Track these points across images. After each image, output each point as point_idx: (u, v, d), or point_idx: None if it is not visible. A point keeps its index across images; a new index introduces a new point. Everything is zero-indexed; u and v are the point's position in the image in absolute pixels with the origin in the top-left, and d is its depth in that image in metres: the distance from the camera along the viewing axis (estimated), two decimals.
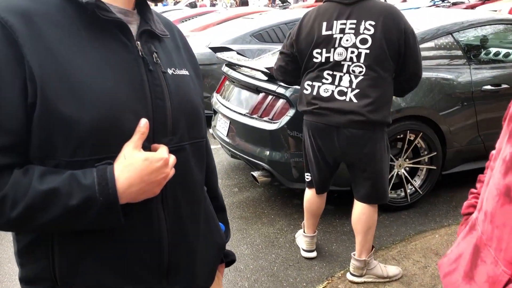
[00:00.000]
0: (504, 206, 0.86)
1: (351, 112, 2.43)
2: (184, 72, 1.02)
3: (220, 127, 3.99)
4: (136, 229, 0.90)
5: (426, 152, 3.57)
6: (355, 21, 2.42)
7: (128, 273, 0.91)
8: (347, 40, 2.44)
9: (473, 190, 1.19)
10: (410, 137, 3.46)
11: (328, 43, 2.47)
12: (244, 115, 3.59)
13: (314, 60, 2.52)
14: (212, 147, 4.74)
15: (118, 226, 0.86)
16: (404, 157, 3.51)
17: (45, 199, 0.78)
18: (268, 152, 3.41)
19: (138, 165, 0.83)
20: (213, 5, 23.82)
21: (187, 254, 0.99)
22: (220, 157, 4.88)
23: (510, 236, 0.83)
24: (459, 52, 3.68)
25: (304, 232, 3.03)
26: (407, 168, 3.56)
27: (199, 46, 6.20)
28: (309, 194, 2.89)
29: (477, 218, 1.00)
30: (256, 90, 3.58)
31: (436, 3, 12.63)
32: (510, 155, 0.87)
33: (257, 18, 6.82)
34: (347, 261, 2.96)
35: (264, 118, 3.42)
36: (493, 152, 1.10)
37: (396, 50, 2.40)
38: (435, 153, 3.54)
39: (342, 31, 2.44)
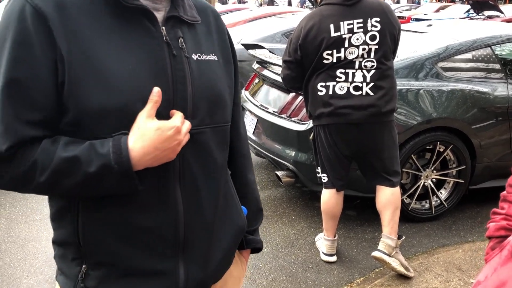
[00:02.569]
0: None
1: (370, 106, 2.59)
2: (212, 57, 1.04)
3: (247, 124, 3.99)
4: (152, 203, 0.94)
5: (454, 165, 3.50)
6: (361, 20, 2.58)
7: (145, 245, 0.96)
8: (357, 39, 2.57)
9: (497, 210, 1.12)
10: (439, 148, 3.40)
11: (339, 44, 2.58)
12: (273, 113, 3.59)
13: (325, 61, 2.62)
14: None
15: (136, 200, 0.92)
16: (432, 168, 3.45)
17: (68, 166, 0.86)
18: (294, 153, 3.40)
19: (151, 135, 0.88)
20: (243, 2, 23.84)
21: (203, 230, 1.02)
22: None
23: None
24: (497, 66, 3.60)
25: (324, 235, 3.01)
26: (434, 180, 3.50)
27: None
28: (327, 195, 2.88)
29: None
30: (286, 89, 3.56)
31: (470, 15, 12.38)
32: None
33: (290, 18, 6.80)
34: (367, 268, 2.94)
35: (293, 119, 3.41)
36: None
37: (394, 43, 2.67)
38: (464, 166, 3.47)
39: (350, 31, 2.57)
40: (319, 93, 2.66)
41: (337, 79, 2.62)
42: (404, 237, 2.82)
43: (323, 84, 2.64)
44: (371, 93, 2.60)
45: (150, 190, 0.94)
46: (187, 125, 0.94)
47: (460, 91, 3.40)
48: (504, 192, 1.11)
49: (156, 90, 0.89)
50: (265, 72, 3.89)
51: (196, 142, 0.98)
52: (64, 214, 0.97)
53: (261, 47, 4.20)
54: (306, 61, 2.68)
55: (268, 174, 4.37)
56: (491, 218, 1.12)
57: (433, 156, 3.41)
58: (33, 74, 0.84)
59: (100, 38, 0.88)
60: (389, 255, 2.68)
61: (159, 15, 0.96)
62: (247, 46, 4.36)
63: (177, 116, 0.93)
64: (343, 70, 2.61)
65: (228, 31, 1.16)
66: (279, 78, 3.65)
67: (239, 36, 6.27)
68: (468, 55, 3.56)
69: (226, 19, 8.90)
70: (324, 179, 2.87)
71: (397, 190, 2.78)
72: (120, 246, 0.95)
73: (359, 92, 2.60)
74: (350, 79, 2.60)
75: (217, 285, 1.12)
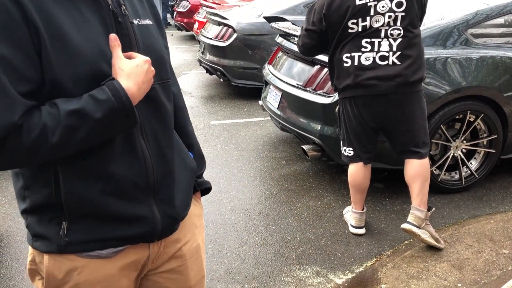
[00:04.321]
0: None
1: (397, 76, 2.55)
2: (148, 21, 1.17)
3: (271, 99, 3.96)
4: (123, 155, 1.07)
5: (485, 135, 3.42)
6: None
7: (121, 193, 1.08)
8: (383, 7, 2.51)
9: None
10: (470, 118, 3.32)
11: (364, 12, 2.53)
12: (298, 87, 3.55)
13: (350, 31, 2.57)
14: (260, 119, 4.77)
15: (108, 154, 1.05)
16: (462, 139, 3.38)
17: (76, 118, 0.95)
18: (320, 126, 3.37)
19: (135, 71, 1.01)
20: None
21: (167, 174, 1.17)
22: (268, 129, 4.88)
23: None
24: None
25: (352, 208, 3.00)
26: (464, 150, 3.43)
27: (248, 16, 6.13)
28: (353, 169, 2.87)
29: None
30: (311, 62, 3.51)
31: None
32: None
33: None
34: (396, 240, 2.93)
35: (318, 92, 3.37)
36: None
37: (421, 9, 2.60)
38: (495, 136, 3.39)
39: None
40: (345, 64, 2.61)
41: (363, 49, 2.57)
42: (434, 209, 2.79)
43: (348, 55, 2.60)
44: (398, 63, 2.55)
45: (119, 145, 1.06)
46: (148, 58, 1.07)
47: (490, 58, 3.29)
48: None
49: (113, 36, 1.02)
50: (289, 45, 3.83)
51: (149, 98, 1.09)
52: (39, 179, 1.05)
53: (284, 20, 4.13)
54: (330, 31, 2.63)
55: (294, 149, 4.36)
56: None
57: (463, 126, 3.34)
58: (17, 50, 0.93)
59: (61, 13, 0.99)
60: (419, 227, 2.66)
61: None
62: (270, 19, 4.30)
63: (137, 54, 1.07)
64: (368, 40, 2.56)
65: None
66: None
67: (259, 10, 6.19)
68: (500, 20, 3.43)
69: None
70: (350, 153, 2.84)
71: (426, 161, 2.73)
72: (100, 197, 1.06)
73: (386, 62, 2.55)
74: (376, 49, 2.56)
75: (185, 224, 1.27)
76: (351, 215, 3.03)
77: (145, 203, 1.12)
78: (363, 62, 2.58)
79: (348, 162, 2.89)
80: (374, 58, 2.57)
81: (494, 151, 3.43)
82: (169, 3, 13.96)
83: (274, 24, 4.14)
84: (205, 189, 1.40)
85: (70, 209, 1.05)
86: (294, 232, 3.03)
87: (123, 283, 1.16)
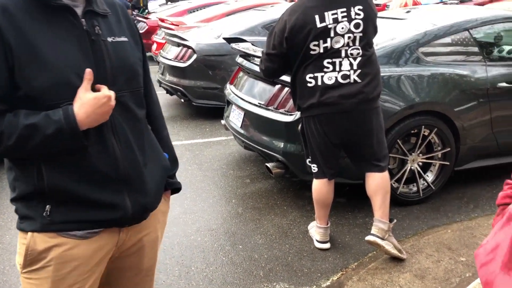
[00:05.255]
0: None
1: (359, 93, 2.66)
2: (123, 39, 1.36)
3: (234, 118, 4.01)
4: (96, 152, 1.26)
5: (439, 148, 3.58)
6: (345, 9, 2.63)
7: (96, 183, 1.27)
8: (342, 28, 2.62)
9: (508, 180, 1.20)
10: (424, 132, 3.48)
11: (325, 34, 2.62)
12: (260, 106, 3.61)
13: (312, 52, 2.65)
14: (223, 138, 4.77)
15: (84, 152, 1.24)
16: (418, 152, 3.53)
17: (30, 131, 1.16)
18: (283, 144, 3.43)
19: (90, 102, 1.20)
20: None
21: (137, 168, 1.34)
22: (231, 148, 4.91)
23: None
24: (475, 49, 3.69)
25: (317, 223, 3.06)
26: (420, 163, 3.58)
27: (207, 37, 6.19)
28: (318, 185, 2.93)
29: None
30: (272, 81, 3.59)
31: (443, 0, 12.53)
32: None
33: (269, 10, 6.80)
34: (360, 252, 3.00)
35: (280, 110, 3.44)
36: None
37: (375, 30, 2.74)
38: (449, 149, 3.56)
39: (335, 20, 2.62)
40: (309, 84, 2.69)
41: (325, 70, 2.66)
42: (395, 220, 2.89)
43: (312, 75, 2.68)
44: (359, 80, 2.66)
45: (93, 143, 1.26)
46: (113, 94, 1.25)
47: (441, 75, 3.47)
48: None
49: (88, 71, 1.21)
50: (250, 65, 3.90)
51: (119, 103, 1.29)
52: (26, 172, 1.25)
53: (244, 40, 4.21)
54: (292, 53, 2.70)
55: (258, 167, 4.40)
56: (503, 188, 1.19)
57: (418, 140, 3.49)
58: None
59: (37, 31, 1.19)
60: (383, 238, 2.75)
61: (79, 10, 1.27)
62: (229, 40, 4.37)
63: (105, 88, 1.24)
64: (330, 60, 2.65)
65: (132, 19, 1.49)
66: None
67: (218, 31, 6.26)
68: (447, 40, 3.64)
69: (203, 14, 8.85)
70: (314, 169, 2.91)
71: (386, 174, 2.84)
72: (77, 186, 1.26)
73: (347, 80, 2.65)
74: (337, 68, 2.65)
75: (151, 217, 1.43)
76: (316, 230, 3.08)
77: (117, 192, 1.31)
78: (326, 81, 2.66)
79: (315, 178, 2.95)
80: (336, 77, 2.65)
81: (448, 163, 3.60)
82: None
83: (234, 45, 4.21)
84: (175, 188, 1.58)
85: (52, 196, 1.25)
86: (261, 250, 3.05)
87: (95, 263, 1.34)
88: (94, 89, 1.23)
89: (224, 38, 4.69)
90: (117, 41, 1.33)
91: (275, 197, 3.80)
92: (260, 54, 3.78)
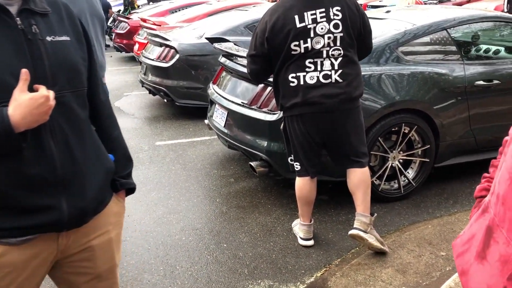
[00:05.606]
0: None
1: (340, 93, 2.70)
2: (64, 38, 1.33)
3: (217, 117, 4.02)
4: (33, 155, 1.23)
5: (419, 145, 3.65)
6: (323, 9, 2.65)
7: (32, 187, 1.24)
8: (321, 29, 2.64)
9: (485, 174, 1.24)
10: (404, 130, 3.54)
11: (305, 34, 2.64)
12: (243, 105, 3.63)
13: (293, 52, 2.68)
14: (206, 138, 4.78)
15: (21, 154, 1.21)
16: (398, 150, 3.59)
17: None
18: (266, 143, 3.46)
19: (26, 103, 1.17)
20: None
21: (76, 171, 1.31)
22: (215, 148, 4.92)
23: None
24: (453, 48, 3.77)
25: (300, 221, 3.09)
26: (401, 160, 3.64)
27: (190, 37, 6.19)
28: (300, 182, 2.97)
29: (489, 201, 1.05)
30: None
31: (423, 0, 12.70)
32: None
33: (251, 10, 6.83)
34: (344, 249, 3.05)
35: (263, 109, 3.46)
36: (507, 138, 1.15)
37: (357, 30, 2.74)
38: (428, 146, 3.63)
39: (314, 21, 2.65)
40: (291, 84, 2.72)
41: (307, 69, 2.69)
42: (376, 214, 2.94)
43: (294, 75, 2.70)
44: (340, 80, 2.69)
45: (30, 146, 1.22)
46: (52, 94, 1.21)
47: (420, 74, 3.54)
48: (494, 159, 1.22)
49: (24, 71, 1.17)
50: (232, 65, 3.92)
51: (60, 104, 1.26)
52: None
53: (226, 40, 4.23)
54: (273, 53, 2.73)
55: (241, 166, 4.42)
56: (481, 181, 1.23)
57: (398, 138, 3.55)
58: None
59: None
60: (365, 232, 2.80)
61: (13, 9, 1.24)
62: (212, 40, 4.38)
63: (43, 88, 1.20)
64: (312, 60, 2.68)
65: (78, 18, 1.45)
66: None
67: (200, 31, 6.26)
68: (426, 39, 3.71)
69: (185, 14, 8.82)
70: (297, 168, 2.95)
71: (367, 170, 2.90)
72: (13, 191, 1.22)
73: (329, 80, 2.69)
74: (319, 68, 2.68)
75: (100, 220, 1.42)
76: (299, 227, 3.12)
77: (53, 195, 1.27)
78: (308, 81, 2.69)
79: (296, 176, 2.98)
80: (318, 77, 2.68)
81: (428, 160, 3.67)
82: (107, 24, 13.75)
83: (216, 45, 4.21)
84: (129, 189, 1.55)
85: None
86: (245, 248, 3.07)
87: (30, 272, 1.30)
88: (32, 89, 1.20)
89: (207, 38, 4.70)
90: (58, 40, 1.31)
91: (259, 195, 3.83)
92: (243, 54, 3.82)
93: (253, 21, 6.12)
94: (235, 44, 4.21)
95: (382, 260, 2.85)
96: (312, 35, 2.65)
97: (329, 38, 2.66)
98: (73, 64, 1.34)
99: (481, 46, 4.03)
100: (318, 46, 2.66)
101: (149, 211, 3.56)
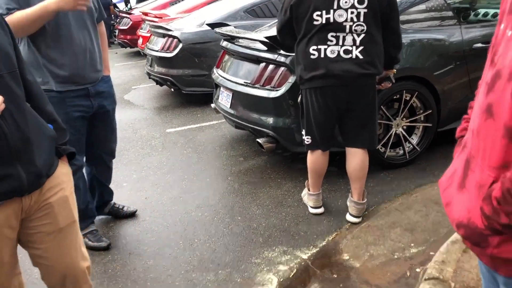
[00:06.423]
0: (486, 121, 1.01)
1: (360, 68, 2.71)
2: None
3: (223, 100, 4.13)
4: None
5: (421, 111, 3.74)
6: None
7: None
8: (345, 2, 2.64)
9: (465, 116, 1.35)
10: (406, 97, 3.63)
11: (328, 5, 2.66)
12: (247, 85, 3.74)
13: (315, 23, 2.70)
14: (214, 122, 4.88)
15: None
16: (401, 117, 3.68)
17: None
18: (272, 119, 3.57)
19: None
20: None
21: (25, 141, 1.52)
22: (223, 131, 5.04)
23: (492, 146, 0.99)
24: (450, 13, 3.83)
25: (310, 191, 3.21)
26: (405, 127, 3.73)
27: (191, 25, 6.28)
28: (314, 156, 3.05)
29: (467, 138, 1.16)
30: (257, 60, 3.72)
31: None
32: (491, 77, 1.02)
33: None
34: None
35: (266, 87, 3.57)
36: (480, 81, 1.25)
37: (384, 9, 2.70)
38: (430, 111, 3.71)
39: None
40: (312, 56, 2.75)
41: (328, 43, 2.71)
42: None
43: (315, 47, 2.73)
44: (360, 57, 2.69)
45: None
46: (1, 98, 1.39)
47: (419, 41, 3.62)
48: (472, 101, 1.32)
49: None
50: (234, 47, 4.02)
51: (1, 84, 1.46)
52: None
53: (226, 25, 4.33)
54: (298, 21, 2.76)
55: (250, 146, 4.54)
56: (461, 123, 1.33)
57: (400, 105, 3.64)
58: None
59: None
60: (360, 217, 3.03)
61: None
62: (213, 25, 4.48)
63: None
64: (334, 34, 2.69)
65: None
66: (248, 51, 3.81)
67: (201, 19, 6.35)
68: (422, 6, 3.77)
69: (185, 4, 8.89)
70: (308, 141, 3.01)
71: (367, 156, 2.98)
72: None
73: (349, 56, 2.70)
74: (340, 43, 2.70)
75: (53, 180, 1.65)
76: (308, 197, 3.24)
77: (11, 165, 1.49)
78: (329, 55, 2.71)
79: (307, 149, 3.08)
80: (338, 51, 2.70)
81: (431, 125, 3.75)
82: (110, 22, 13.86)
83: (217, 30, 4.32)
84: (70, 153, 1.78)
85: None
86: (259, 220, 3.20)
87: (6, 231, 1.55)
88: None
89: (208, 24, 4.81)
90: None
91: (268, 171, 3.95)
92: (243, 35, 3.92)
93: (252, 4, 6.21)
94: (235, 27, 4.32)
95: (390, 221, 2.96)
96: (335, 6, 2.64)
97: (352, 12, 2.65)
98: (4, 47, 1.52)
99: (479, 10, 4.07)
100: (340, 20, 2.66)
101: (165, 192, 3.71)
